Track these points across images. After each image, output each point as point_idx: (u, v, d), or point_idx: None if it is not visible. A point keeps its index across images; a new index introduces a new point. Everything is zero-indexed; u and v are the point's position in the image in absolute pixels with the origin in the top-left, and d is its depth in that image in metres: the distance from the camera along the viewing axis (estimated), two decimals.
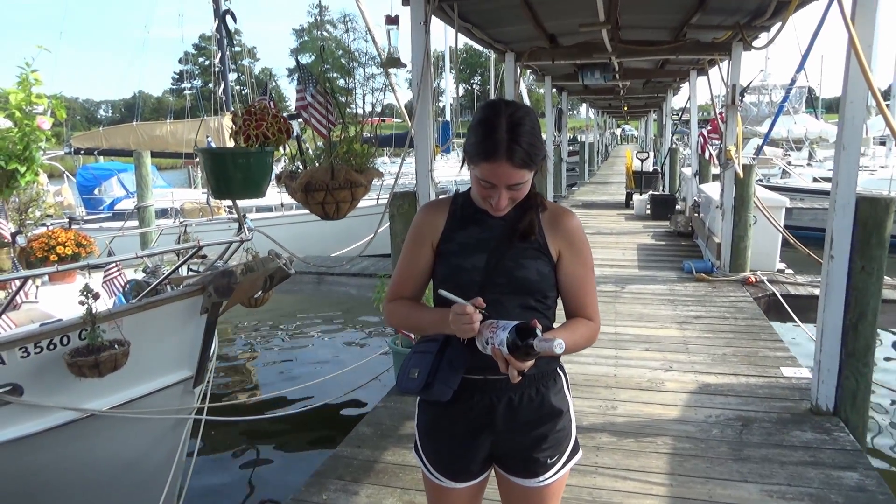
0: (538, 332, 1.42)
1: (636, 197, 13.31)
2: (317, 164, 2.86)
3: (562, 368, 1.79)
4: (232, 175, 2.77)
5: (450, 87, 34.35)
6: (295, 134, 3.03)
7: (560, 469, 1.74)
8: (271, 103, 2.90)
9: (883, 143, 20.14)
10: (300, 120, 3.09)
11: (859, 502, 2.88)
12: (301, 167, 2.91)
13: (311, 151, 2.97)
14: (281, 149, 3.01)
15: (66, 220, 6.29)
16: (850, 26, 3.34)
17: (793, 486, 3.03)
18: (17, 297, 4.50)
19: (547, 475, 1.72)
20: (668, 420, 3.80)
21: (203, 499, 4.89)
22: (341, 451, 3.55)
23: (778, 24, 5.70)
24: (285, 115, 3.00)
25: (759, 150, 17.61)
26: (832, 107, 42.81)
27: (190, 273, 4.96)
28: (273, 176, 3.06)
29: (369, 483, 3.18)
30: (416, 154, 4.08)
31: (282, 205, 12.44)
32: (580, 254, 1.71)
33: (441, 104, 31.48)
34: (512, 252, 1.66)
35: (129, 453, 4.21)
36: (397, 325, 1.85)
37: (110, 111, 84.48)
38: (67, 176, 14.25)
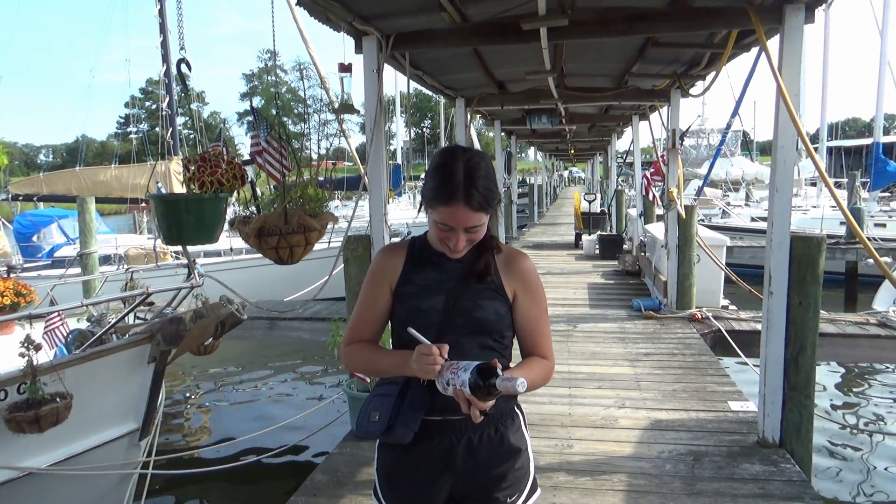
0: (499, 371, 1.45)
1: (585, 237, 13.62)
2: (271, 210, 2.86)
3: (519, 407, 1.82)
4: (185, 221, 2.75)
5: (401, 132, 34.81)
6: (249, 179, 3.04)
7: None
8: (225, 150, 2.91)
9: (814, 185, 21.28)
10: (254, 165, 3.10)
11: None
12: (255, 212, 2.90)
13: (264, 197, 2.97)
14: (233, 194, 3.01)
15: (4, 269, 6.04)
16: (777, 76, 3.58)
17: None
18: None
19: None
20: (622, 457, 3.84)
21: None
22: (296, 500, 3.45)
23: (713, 74, 6.05)
24: (239, 161, 3.01)
25: (699, 191, 18.37)
26: (766, 149, 44.99)
27: (137, 321, 4.83)
28: (226, 221, 3.04)
29: None
30: (370, 197, 4.11)
31: (230, 249, 12.25)
32: (534, 294, 1.76)
33: (392, 147, 31.80)
34: (469, 293, 1.70)
35: None
36: (356, 369, 1.85)
37: (51, 156, 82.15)
38: (3, 223, 13.73)
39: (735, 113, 14.63)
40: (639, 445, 4.00)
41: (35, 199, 14.44)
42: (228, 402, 8.28)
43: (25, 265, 11.60)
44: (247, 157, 3.26)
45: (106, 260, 11.39)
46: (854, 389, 8.04)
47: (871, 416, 7.23)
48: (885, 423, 7.03)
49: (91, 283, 8.33)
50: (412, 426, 1.64)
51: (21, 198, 14.58)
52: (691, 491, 3.38)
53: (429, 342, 1.54)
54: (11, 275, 5.76)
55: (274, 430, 5.74)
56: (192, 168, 2.74)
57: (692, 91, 6.94)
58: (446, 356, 1.53)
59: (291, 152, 3.06)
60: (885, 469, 5.76)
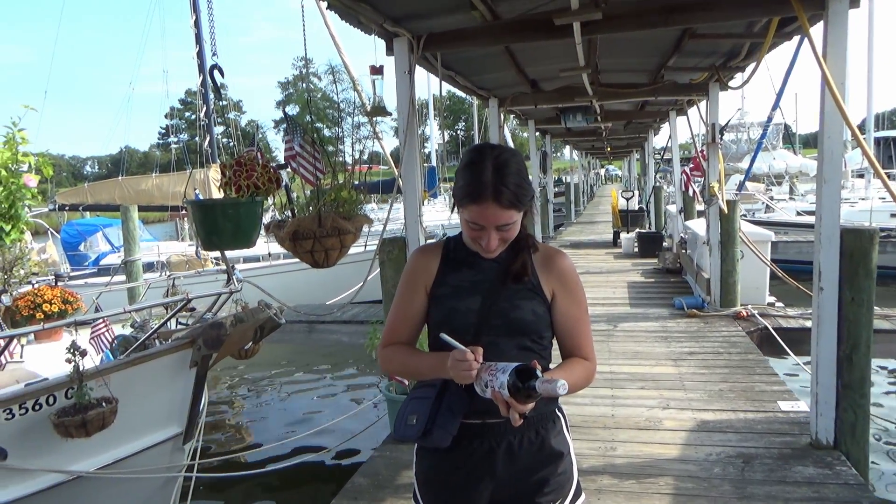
0: (538, 373, 1.40)
1: (623, 235, 13.41)
2: (305, 213, 2.86)
3: (560, 410, 1.77)
4: (222, 226, 2.76)
5: (434, 134, 34.83)
6: (284, 183, 3.04)
7: None
8: (259, 154, 2.93)
9: (861, 176, 20.57)
10: (289, 170, 3.11)
11: None
12: (290, 216, 2.91)
13: (299, 201, 2.98)
14: (269, 199, 3.02)
15: (52, 278, 6.22)
16: (822, 65, 3.45)
17: None
18: (2, 357, 4.41)
19: None
20: (668, 459, 3.74)
21: None
22: (337, 503, 3.45)
23: (752, 65, 5.87)
24: (274, 165, 3.02)
25: (741, 185, 17.91)
26: (809, 142, 43.77)
27: (179, 327, 4.91)
28: (262, 226, 3.06)
29: None
30: (405, 200, 4.10)
31: (269, 254, 12.40)
32: (574, 294, 1.71)
33: (427, 150, 31.88)
34: (506, 293, 1.66)
35: None
36: (393, 372, 1.83)
37: (97, 167, 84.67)
38: (52, 233, 14.18)
39: (776, 105, 14.19)
40: (685, 447, 3.89)
41: (80, 208, 14.89)
42: (269, 406, 8.37)
43: (72, 273, 11.95)
44: (281, 161, 3.27)
45: (149, 267, 11.66)
46: None
47: None
48: None
49: (136, 290, 8.52)
50: (450, 430, 1.61)
51: (67, 207, 15.05)
52: (742, 495, 3.27)
53: (463, 347, 1.50)
54: (59, 283, 5.92)
55: (314, 433, 5.78)
56: (228, 173, 2.76)
57: (731, 84, 6.75)
58: (481, 359, 1.49)
59: (325, 156, 3.06)
60: None
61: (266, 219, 3.27)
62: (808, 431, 3.91)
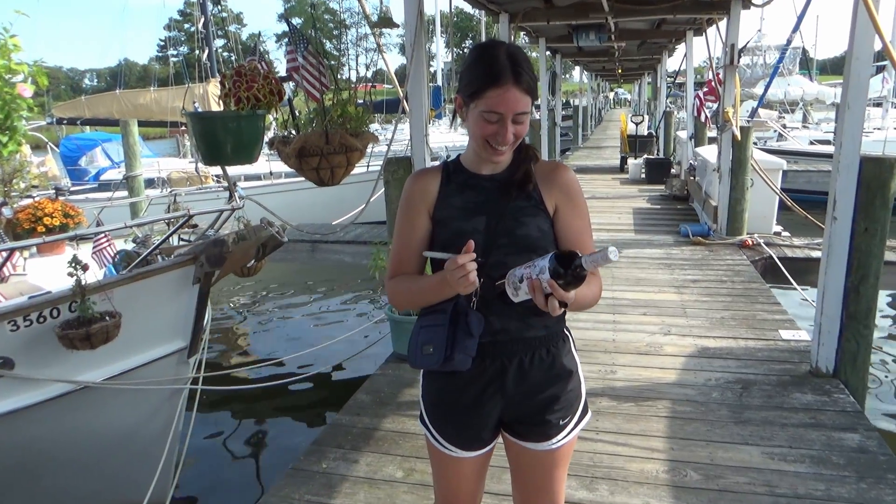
0: (579, 254, 1.35)
1: (631, 161, 13.20)
2: (310, 129, 2.75)
3: (569, 330, 1.75)
4: (223, 140, 2.66)
5: (441, 53, 33.76)
6: (287, 97, 2.91)
7: (572, 430, 1.71)
8: (262, 64, 2.78)
9: (878, 105, 20.02)
10: (292, 83, 2.97)
11: (860, 463, 2.88)
12: (294, 133, 2.80)
13: (302, 116, 2.85)
14: (270, 115, 2.90)
15: (53, 191, 6.14)
16: None
17: (794, 448, 3.03)
18: (5, 270, 4.41)
19: (559, 437, 1.68)
20: (667, 384, 3.78)
21: (200, 469, 4.88)
22: (340, 419, 3.52)
23: None
24: (276, 77, 2.88)
25: (753, 112, 17.48)
26: (826, 68, 42.52)
27: (181, 243, 4.87)
28: (264, 141, 2.95)
29: (369, 451, 3.16)
30: (411, 118, 3.96)
31: (270, 173, 12.25)
32: (577, 205, 1.66)
33: (433, 69, 31.02)
34: (511, 211, 1.61)
35: (126, 424, 4.18)
36: (402, 303, 1.76)
37: (95, 80, 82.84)
38: (51, 147, 13.95)
39: (797, 27, 13.67)
40: (684, 373, 3.93)
41: (78, 122, 14.59)
42: (273, 323, 8.48)
43: (73, 188, 11.84)
44: (283, 74, 3.12)
45: (150, 184, 11.54)
46: None
47: None
48: None
49: (138, 206, 8.46)
50: (470, 352, 1.58)
51: (65, 121, 14.74)
52: (739, 419, 3.31)
53: (451, 255, 1.46)
54: (60, 197, 5.85)
55: (318, 349, 5.86)
56: (228, 84, 2.63)
57: (755, 0, 6.44)
58: (473, 253, 1.44)
59: (329, 70, 2.91)
60: None
61: (268, 135, 3.16)
62: (808, 360, 3.93)
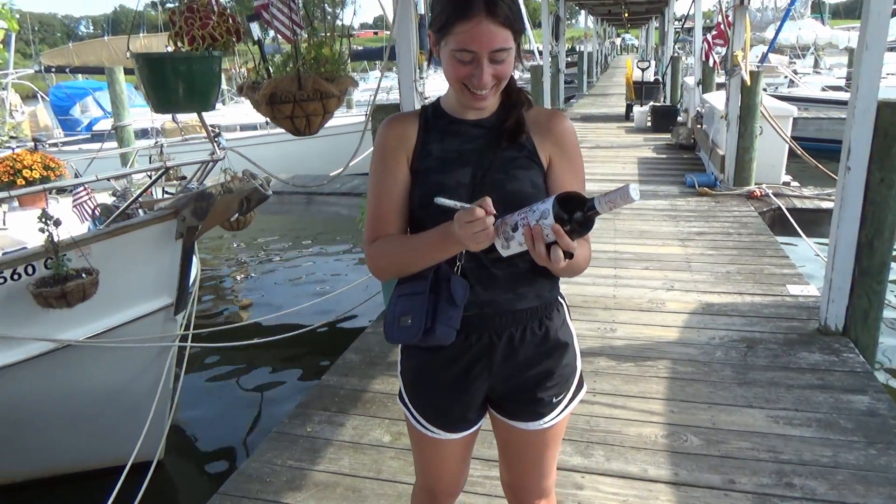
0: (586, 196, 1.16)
1: (636, 109, 12.84)
2: (283, 74, 2.52)
3: (563, 297, 1.56)
4: (173, 84, 2.42)
5: None
6: (256, 38, 2.67)
7: (565, 408, 1.54)
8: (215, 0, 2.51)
9: (892, 49, 19.37)
10: (260, 21, 2.71)
11: (870, 428, 2.74)
12: (265, 77, 2.57)
13: (274, 59, 2.61)
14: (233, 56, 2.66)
15: (32, 143, 5.92)
16: None
17: (800, 411, 2.89)
18: None
19: (550, 416, 1.52)
20: (669, 342, 3.64)
21: (188, 427, 4.82)
22: (327, 380, 3.39)
23: None
24: (246, 15, 2.63)
25: (763, 57, 16.90)
26: (839, 12, 41.23)
27: (165, 196, 4.70)
28: (221, 85, 2.72)
29: (356, 414, 3.04)
30: (399, 61, 3.70)
31: (267, 122, 11.89)
32: (573, 161, 1.44)
33: (420, 10, 30.08)
34: (500, 162, 1.39)
35: (113, 382, 4.10)
36: (386, 270, 1.48)
37: (91, 27, 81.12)
38: (41, 96, 13.58)
39: None
40: (687, 330, 3.78)
41: (67, 70, 14.15)
42: (265, 277, 8.35)
43: (66, 139, 11.57)
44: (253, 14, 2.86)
45: (144, 134, 11.27)
46: None
47: None
48: None
49: (128, 157, 8.24)
50: (454, 324, 1.38)
51: (53, 69, 14.29)
52: (743, 380, 3.17)
53: (468, 204, 1.22)
54: (38, 148, 5.63)
55: (310, 306, 5.73)
56: (179, 21, 2.36)
57: None
58: (493, 210, 1.21)
59: (303, 7, 2.66)
60: None
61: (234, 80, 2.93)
62: (816, 317, 3.77)
